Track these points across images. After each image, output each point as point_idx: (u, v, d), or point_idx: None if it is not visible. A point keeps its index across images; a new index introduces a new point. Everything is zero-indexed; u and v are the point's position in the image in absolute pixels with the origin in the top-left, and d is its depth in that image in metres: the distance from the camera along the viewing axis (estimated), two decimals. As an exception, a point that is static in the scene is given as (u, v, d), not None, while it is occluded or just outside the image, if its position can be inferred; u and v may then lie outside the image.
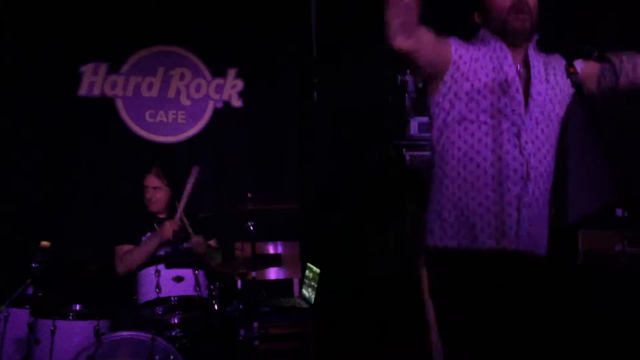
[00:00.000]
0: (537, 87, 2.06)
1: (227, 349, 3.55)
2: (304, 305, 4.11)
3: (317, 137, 4.80)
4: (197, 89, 4.72)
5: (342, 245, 4.49)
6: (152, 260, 3.53)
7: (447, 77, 2.07)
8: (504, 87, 2.02)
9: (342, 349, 4.07)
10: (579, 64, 2.11)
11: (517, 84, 2.03)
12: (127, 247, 3.74)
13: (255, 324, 3.39)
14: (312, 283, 4.10)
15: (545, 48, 2.11)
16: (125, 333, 3.04)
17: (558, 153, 2.13)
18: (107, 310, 3.23)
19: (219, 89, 4.75)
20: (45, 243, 3.36)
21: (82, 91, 4.55)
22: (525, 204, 2.00)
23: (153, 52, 4.68)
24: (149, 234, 3.78)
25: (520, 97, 2.02)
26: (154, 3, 4.59)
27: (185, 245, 3.81)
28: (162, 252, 3.76)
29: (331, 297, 4.13)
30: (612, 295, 3.04)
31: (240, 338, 3.37)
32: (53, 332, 3.03)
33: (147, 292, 3.19)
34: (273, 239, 4.50)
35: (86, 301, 3.28)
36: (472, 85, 2.03)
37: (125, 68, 4.62)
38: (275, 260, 4.42)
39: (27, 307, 3.25)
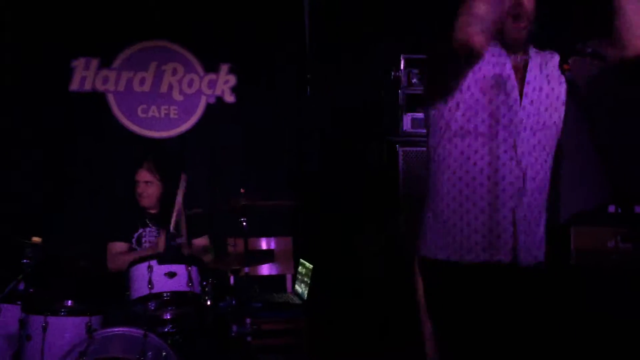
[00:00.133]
0: (533, 95, 2.02)
1: (219, 345, 3.54)
2: (297, 301, 4.10)
3: (310, 133, 4.80)
4: (190, 84, 4.70)
5: (335, 241, 4.50)
6: (145, 256, 3.51)
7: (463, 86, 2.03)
8: (502, 96, 1.98)
9: (335, 344, 4.08)
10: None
11: (516, 93, 2.00)
12: (120, 246, 3.73)
13: (248, 320, 3.39)
14: (305, 279, 4.10)
15: (541, 45, 2.10)
16: (117, 329, 3.02)
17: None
18: (99, 306, 3.21)
19: (212, 84, 4.73)
20: (36, 239, 3.35)
21: (74, 86, 4.53)
22: (521, 217, 1.98)
23: (145, 47, 4.66)
24: (140, 230, 3.77)
25: (517, 106, 1.99)
26: (146, -3, 4.58)
27: (178, 241, 3.80)
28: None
29: (324, 293, 4.13)
30: (605, 293, 3.05)
31: (233, 334, 3.36)
32: (44, 328, 3.00)
33: (140, 288, 3.17)
34: (266, 234, 4.49)
35: (78, 297, 3.25)
36: (472, 94, 2.00)
37: (117, 63, 4.60)
38: (268, 256, 4.41)
39: (19, 303, 3.22)
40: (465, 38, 1.83)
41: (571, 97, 2.08)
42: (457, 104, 2.01)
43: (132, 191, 3.82)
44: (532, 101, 2.02)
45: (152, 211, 3.84)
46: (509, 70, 2.02)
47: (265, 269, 4.45)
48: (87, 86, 4.54)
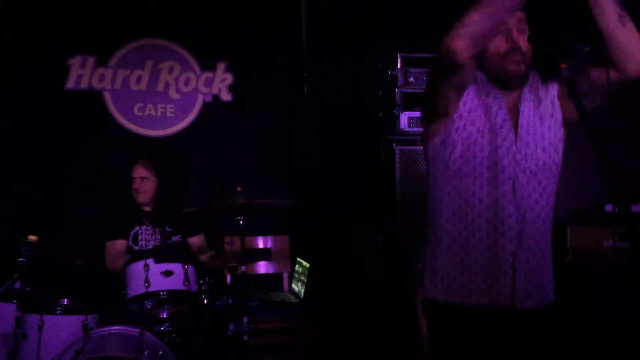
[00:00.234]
0: (528, 137, 1.99)
1: (216, 344, 3.54)
2: (294, 299, 4.10)
3: (306, 131, 4.79)
4: (186, 83, 4.69)
5: (331, 240, 4.50)
6: (141, 254, 3.51)
7: (449, 121, 2.00)
8: (500, 138, 1.95)
9: (332, 343, 4.08)
10: (554, 88, 2.06)
11: (512, 135, 1.96)
12: (119, 244, 3.72)
13: (245, 319, 3.39)
14: (302, 278, 4.10)
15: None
16: (113, 328, 3.02)
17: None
18: (95, 305, 3.20)
19: (208, 82, 4.72)
20: (32, 237, 3.34)
21: (70, 84, 4.52)
22: (522, 260, 1.94)
23: (141, 45, 4.65)
24: (137, 228, 3.77)
25: (514, 148, 1.95)
26: (142, -4, 4.57)
27: (174, 239, 3.80)
28: (151, 246, 3.75)
29: (321, 291, 4.13)
30: (602, 291, 3.06)
31: (230, 333, 3.36)
32: (41, 327, 3.00)
33: (136, 287, 3.17)
34: (262, 233, 4.49)
35: (74, 296, 3.25)
36: (470, 135, 1.97)
37: (113, 61, 4.59)
38: (264, 255, 4.41)
39: (15, 301, 3.21)
40: (447, 42, 1.81)
41: (569, 97, 2.07)
42: (454, 144, 1.98)
43: (128, 189, 3.82)
44: (527, 143, 1.98)
45: (148, 209, 3.83)
46: (505, 111, 1.99)
47: (262, 268, 4.45)
48: (84, 84, 4.53)
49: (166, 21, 4.62)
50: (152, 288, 3.15)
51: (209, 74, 4.72)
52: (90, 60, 4.55)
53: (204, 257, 3.62)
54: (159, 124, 4.65)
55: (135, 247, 3.75)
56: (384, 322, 3.90)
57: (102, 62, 4.57)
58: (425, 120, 2.11)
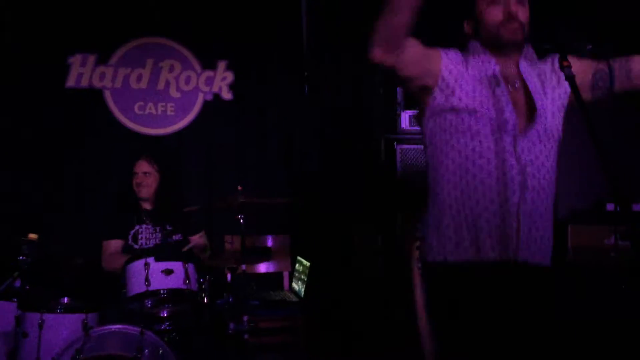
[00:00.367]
0: (538, 101, 2.02)
1: (216, 343, 3.54)
2: (294, 298, 4.10)
3: (307, 130, 4.79)
4: (187, 81, 4.69)
5: (331, 239, 4.49)
6: (142, 253, 3.51)
7: (436, 92, 2.04)
8: (493, 100, 1.98)
9: (332, 342, 4.08)
10: (573, 63, 2.09)
11: (507, 95, 2.00)
12: (114, 245, 3.72)
13: (245, 318, 3.39)
14: (302, 276, 4.10)
15: (538, 45, 2.09)
16: (113, 326, 3.01)
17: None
18: (95, 304, 3.20)
19: (209, 81, 4.72)
20: (32, 236, 3.34)
21: (70, 83, 4.51)
22: (525, 213, 1.96)
23: (142, 44, 4.64)
24: (137, 227, 3.76)
25: (510, 107, 1.98)
26: (143, -6, 4.56)
27: (174, 237, 3.80)
28: (151, 244, 3.75)
29: (321, 290, 4.13)
30: (603, 290, 3.05)
31: (230, 331, 3.36)
32: (41, 326, 3.00)
33: (136, 285, 3.17)
34: (263, 232, 4.49)
35: (74, 294, 3.25)
36: (460, 99, 2.00)
37: (113, 59, 4.59)
38: (265, 254, 4.41)
39: (15, 300, 3.21)
40: (369, 56, 1.93)
41: (570, 95, 2.07)
42: (443, 109, 2.02)
43: (129, 187, 3.82)
44: (534, 104, 2.01)
45: (148, 207, 3.83)
46: (498, 74, 2.02)
47: (262, 267, 4.44)
48: (84, 83, 4.53)
49: (167, 20, 4.61)
50: (153, 287, 3.15)
51: (209, 73, 4.72)
52: (91, 59, 4.54)
53: (204, 256, 3.62)
54: (159, 122, 4.65)
55: (136, 246, 3.74)
56: (384, 321, 3.90)
57: (102, 60, 4.56)
58: (415, 95, 2.14)
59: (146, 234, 3.78)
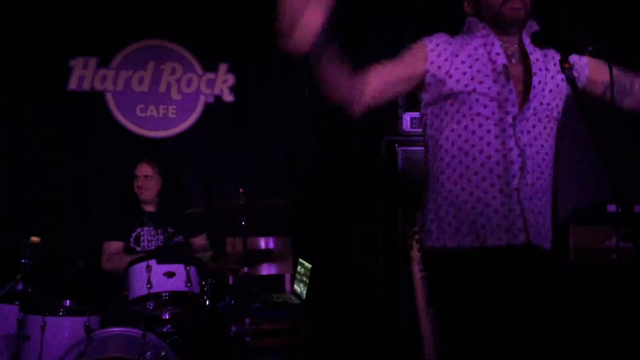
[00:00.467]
0: (536, 75, 2.00)
1: (218, 345, 3.54)
2: (296, 300, 4.10)
3: (309, 133, 4.79)
4: (188, 84, 4.69)
5: (333, 241, 4.49)
6: (143, 255, 3.51)
7: (428, 80, 2.04)
8: (493, 77, 1.96)
9: (334, 344, 4.08)
10: (583, 60, 2.08)
11: (507, 72, 1.97)
12: (115, 245, 3.72)
13: (247, 320, 3.38)
14: (304, 279, 4.10)
15: (539, 42, 2.08)
16: (115, 329, 3.02)
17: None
18: (97, 306, 3.20)
19: (210, 83, 4.72)
20: (34, 238, 3.34)
21: (72, 85, 4.52)
22: (526, 196, 1.94)
23: (143, 46, 4.65)
24: (139, 230, 3.77)
25: (511, 86, 1.96)
26: (144, -3, 4.56)
27: (176, 239, 3.80)
28: (153, 247, 3.75)
29: (323, 292, 4.12)
30: (605, 291, 3.05)
31: (232, 334, 3.36)
32: (43, 328, 3.00)
33: (138, 288, 3.17)
34: (264, 234, 4.49)
35: (76, 297, 3.25)
36: (458, 81, 1.98)
37: (115, 62, 4.59)
38: (266, 256, 4.40)
39: (17, 303, 3.22)
40: (352, 115, 2.00)
41: (571, 95, 2.07)
42: (442, 93, 2.01)
43: (130, 189, 3.82)
44: (535, 81, 1.98)
45: (150, 209, 3.83)
46: (497, 49, 2.00)
47: (264, 269, 4.44)
48: (86, 85, 4.54)
49: (168, 22, 4.61)
50: (155, 289, 3.15)
51: (210, 75, 4.72)
52: (92, 62, 4.55)
53: (206, 258, 3.62)
54: (160, 125, 4.65)
55: (138, 249, 3.75)
56: (385, 322, 3.89)
57: (104, 63, 4.57)
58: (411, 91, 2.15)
59: (148, 236, 3.78)
